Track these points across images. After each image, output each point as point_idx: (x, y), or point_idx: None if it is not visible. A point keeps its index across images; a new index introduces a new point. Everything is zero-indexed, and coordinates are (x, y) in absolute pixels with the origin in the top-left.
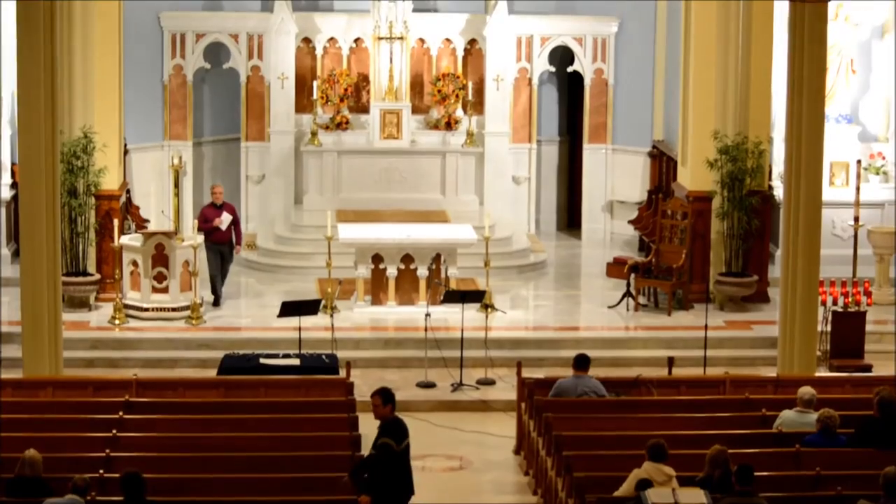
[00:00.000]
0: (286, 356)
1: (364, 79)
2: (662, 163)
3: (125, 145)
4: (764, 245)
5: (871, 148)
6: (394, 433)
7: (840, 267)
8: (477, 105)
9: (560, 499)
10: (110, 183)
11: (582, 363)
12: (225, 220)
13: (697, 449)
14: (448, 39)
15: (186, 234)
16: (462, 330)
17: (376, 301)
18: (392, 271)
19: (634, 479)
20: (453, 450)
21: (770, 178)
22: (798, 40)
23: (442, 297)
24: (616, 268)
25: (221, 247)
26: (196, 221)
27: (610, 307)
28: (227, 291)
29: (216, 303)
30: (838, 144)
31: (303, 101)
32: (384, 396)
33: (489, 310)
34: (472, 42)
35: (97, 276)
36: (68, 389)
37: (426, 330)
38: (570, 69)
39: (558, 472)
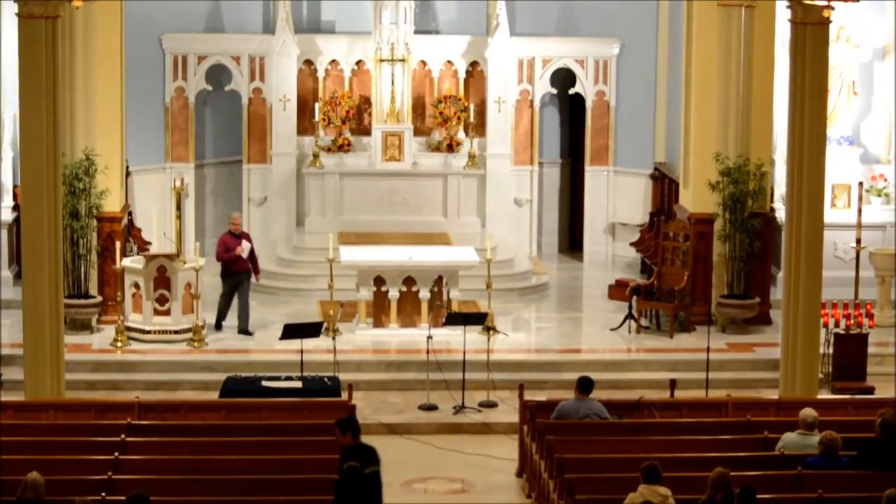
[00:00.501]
0: (288, 378)
1: (366, 101)
2: (664, 185)
3: (127, 167)
4: (766, 267)
5: (872, 170)
6: (356, 458)
7: (842, 289)
8: (478, 127)
9: None
10: (112, 205)
11: (585, 386)
12: (245, 248)
13: (700, 471)
14: (450, 61)
15: (188, 256)
16: (464, 352)
17: (378, 323)
18: (394, 294)
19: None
20: (455, 472)
21: (772, 200)
22: (799, 62)
23: (444, 320)
24: (618, 290)
25: (240, 276)
26: (216, 251)
27: (612, 329)
28: (230, 315)
29: (218, 326)
30: (840, 166)
31: (304, 124)
32: (341, 426)
33: (491, 332)
34: (474, 64)
35: (99, 299)
36: (70, 412)
37: (428, 352)
38: (571, 91)
39: (560, 495)
